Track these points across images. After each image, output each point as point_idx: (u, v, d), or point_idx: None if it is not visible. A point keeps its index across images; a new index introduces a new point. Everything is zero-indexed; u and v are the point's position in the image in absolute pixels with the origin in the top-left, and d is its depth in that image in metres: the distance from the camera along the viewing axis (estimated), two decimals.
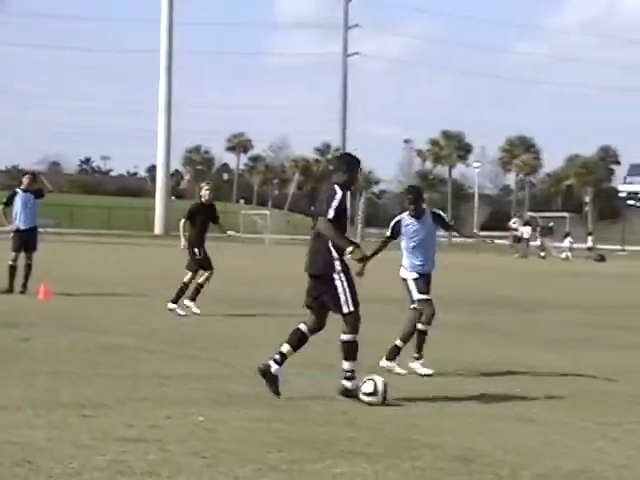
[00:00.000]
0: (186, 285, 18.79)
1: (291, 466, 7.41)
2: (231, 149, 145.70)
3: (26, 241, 21.94)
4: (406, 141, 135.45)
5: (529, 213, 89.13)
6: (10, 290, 21.58)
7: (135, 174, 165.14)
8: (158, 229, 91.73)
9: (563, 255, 66.00)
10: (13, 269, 21.79)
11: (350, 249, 10.23)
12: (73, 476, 6.94)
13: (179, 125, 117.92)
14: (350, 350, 10.44)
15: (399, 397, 10.49)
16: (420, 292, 12.37)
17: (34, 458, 7.32)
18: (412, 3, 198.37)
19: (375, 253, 12.04)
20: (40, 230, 23.36)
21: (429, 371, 12.28)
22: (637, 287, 33.59)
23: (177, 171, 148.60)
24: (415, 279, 12.47)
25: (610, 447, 8.43)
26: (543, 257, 65.34)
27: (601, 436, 8.90)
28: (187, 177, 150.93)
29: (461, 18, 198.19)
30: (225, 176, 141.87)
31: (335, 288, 10.36)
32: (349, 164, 10.81)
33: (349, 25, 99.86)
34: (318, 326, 10.61)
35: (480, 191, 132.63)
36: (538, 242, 68.23)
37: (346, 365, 10.48)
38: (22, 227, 21.97)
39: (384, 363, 12.42)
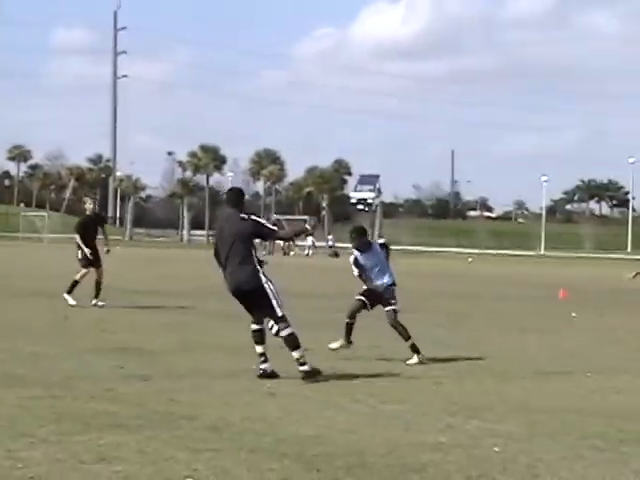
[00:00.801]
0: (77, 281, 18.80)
1: (60, 438, 7.19)
2: (12, 159, 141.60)
3: None
4: (169, 153, 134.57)
5: (275, 216, 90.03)
6: None
7: None
8: None
9: (306, 252, 67.01)
10: None
11: (307, 227, 11.64)
12: None
13: None
14: (293, 341, 10.47)
15: (160, 375, 10.40)
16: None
17: None
18: (172, 33, 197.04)
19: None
20: None
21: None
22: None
23: None
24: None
25: (339, 415, 8.51)
26: (287, 254, 66.13)
27: (332, 406, 8.96)
28: None
29: (215, 46, 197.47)
30: (7, 182, 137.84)
31: (267, 296, 10.40)
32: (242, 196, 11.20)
33: (118, 51, 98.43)
34: (260, 319, 10.70)
35: None
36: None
37: (295, 354, 10.48)
38: None
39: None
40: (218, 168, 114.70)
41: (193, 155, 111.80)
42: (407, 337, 12.64)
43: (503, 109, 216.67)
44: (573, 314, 20.07)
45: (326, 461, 6.81)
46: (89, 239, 18.98)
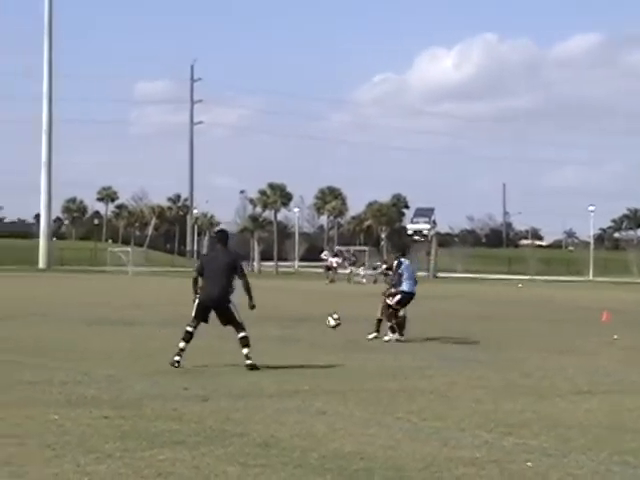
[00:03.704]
0: None
1: (124, 454, 7.25)
2: (100, 199, 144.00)
3: None
4: (241, 192, 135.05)
5: (337, 247, 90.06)
6: None
7: (23, 220, 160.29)
8: (42, 264, 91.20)
9: (363, 280, 66.90)
10: None
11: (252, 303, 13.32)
12: None
13: (58, 180, 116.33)
14: (246, 341, 13.00)
15: (219, 394, 10.45)
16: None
17: None
18: (244, 83, 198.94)
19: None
20: None
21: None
22: (420, 303, 34.22)
23: (58, 217, 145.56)
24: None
25: (381, 432, 8.47)
26: (350, 282, 65.97)
27: (375, 423, 8.93)
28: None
29: (284, 94, 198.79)
30: (96, 221, 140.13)
31: (233, 312, 13.10)
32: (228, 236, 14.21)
33: (195, 100, 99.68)
34: (198, 325, 13.23)
35: (300, 230, 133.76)
36: (347, 270, 68.71)
37: (245, 350, 12.97)
38: None
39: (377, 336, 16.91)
40: (285, 204, 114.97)
41: (262, 193, 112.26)
42: (390, 321, 16.25)
43: (548, 145, 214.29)
44: (615, 336, 19.68)
45: (366, 476, 6.79)
46: None
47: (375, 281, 66.17)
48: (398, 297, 16.25)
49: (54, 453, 7.27)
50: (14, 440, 7.69)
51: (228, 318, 13.17)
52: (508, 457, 7.55)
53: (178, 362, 12.81)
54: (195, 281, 13.43)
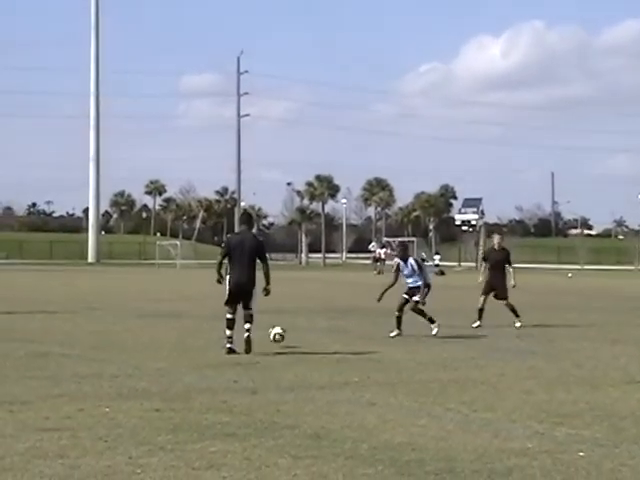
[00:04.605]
0: None
1: (175, 446, 7.27)
2: (148, 193, 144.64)
3: None
4: (288, 184, 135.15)
5: (385, 238, 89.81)
6: None
7: (72, 215, 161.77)
8: (91, 258, 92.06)
9: None
10: None
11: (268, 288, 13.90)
12: None
13: (106, 174, 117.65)
14: (251, 318, 13.66)
15: (268, 387, 10.46)
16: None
17: None
18: (289, 74, 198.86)
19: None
20: None
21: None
22: (470, 294, 33.99)
23: (106, 211, 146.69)
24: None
25: (432, 423, 8.43)
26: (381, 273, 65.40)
27: (426, 414, 8.88)
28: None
29: (329, 85, 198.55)
30: (144, 214, 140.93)
31: (252, 297, 13.85)
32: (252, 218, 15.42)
33: (241, 93, 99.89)
34: (235, 309, 13.90)
35: (347, 222, 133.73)
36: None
37: (247, 325, 13.59)
38: None
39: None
40: (332, 196, 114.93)
41: (310, 185, 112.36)
42: (424, 316, 16.77)
43: (599, 133, 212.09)
44: None
45: (417, 466, 6.75)
46: None
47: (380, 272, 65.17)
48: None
49: (106, 445, 7.32)
50: (67, 433, 7.75)
51: (246, 300, 13.85)
52: (560, 447, 7.47)
53: (230, 349, 13.59)
54: (220, 264, 14.11)
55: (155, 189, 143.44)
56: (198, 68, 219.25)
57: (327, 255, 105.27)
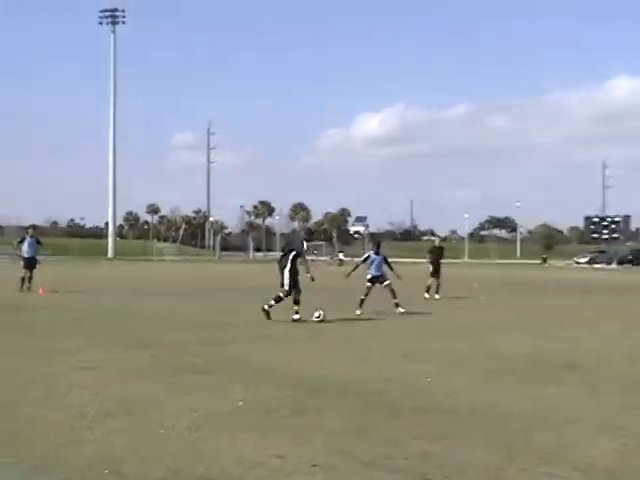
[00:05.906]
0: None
1: (168, 379, 7.14)
2: (149, 212, 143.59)
3: (28, 263, 20.94)
4: (241, 206, 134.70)
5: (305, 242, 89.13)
6: (22, 290, 20.43)
7: (97, 226, 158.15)
8: (110, 255, 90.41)
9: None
10: (22, 279, 20.78)
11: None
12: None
13: (120, 199, 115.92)
14: (299, 300, 12.43)
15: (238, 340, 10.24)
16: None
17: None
18: (243, 135, 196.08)
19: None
20: (38, 258, 21.96)
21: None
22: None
23: (121, 224, 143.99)
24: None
25: (334, 362, 8.16)
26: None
27: (331, 356, 8.58)
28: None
29: (269, 142, 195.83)
30: (146, 226, 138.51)
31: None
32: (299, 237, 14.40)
33: (211, 147, 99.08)
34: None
35: (280, 231, 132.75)
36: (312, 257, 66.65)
37: (296, 307, 12.40)
38: (25, 255, 21.05)
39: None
40: (270, 214, 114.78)
41: (255, 207, 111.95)
42: (394, 296, 14.46)
43: (441, 175, 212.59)
44: None
45: (322, 390, 6.63)
46: None
47: (340, 264, 62.20)
48: (368, 277, 14.95)
49: (121, 380, 7.06)
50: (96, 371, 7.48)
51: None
52: (412, 376, 7.34)
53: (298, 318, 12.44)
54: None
55: (153, 210, 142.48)
56: (183, 129, 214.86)
57: (267, 253, 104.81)
